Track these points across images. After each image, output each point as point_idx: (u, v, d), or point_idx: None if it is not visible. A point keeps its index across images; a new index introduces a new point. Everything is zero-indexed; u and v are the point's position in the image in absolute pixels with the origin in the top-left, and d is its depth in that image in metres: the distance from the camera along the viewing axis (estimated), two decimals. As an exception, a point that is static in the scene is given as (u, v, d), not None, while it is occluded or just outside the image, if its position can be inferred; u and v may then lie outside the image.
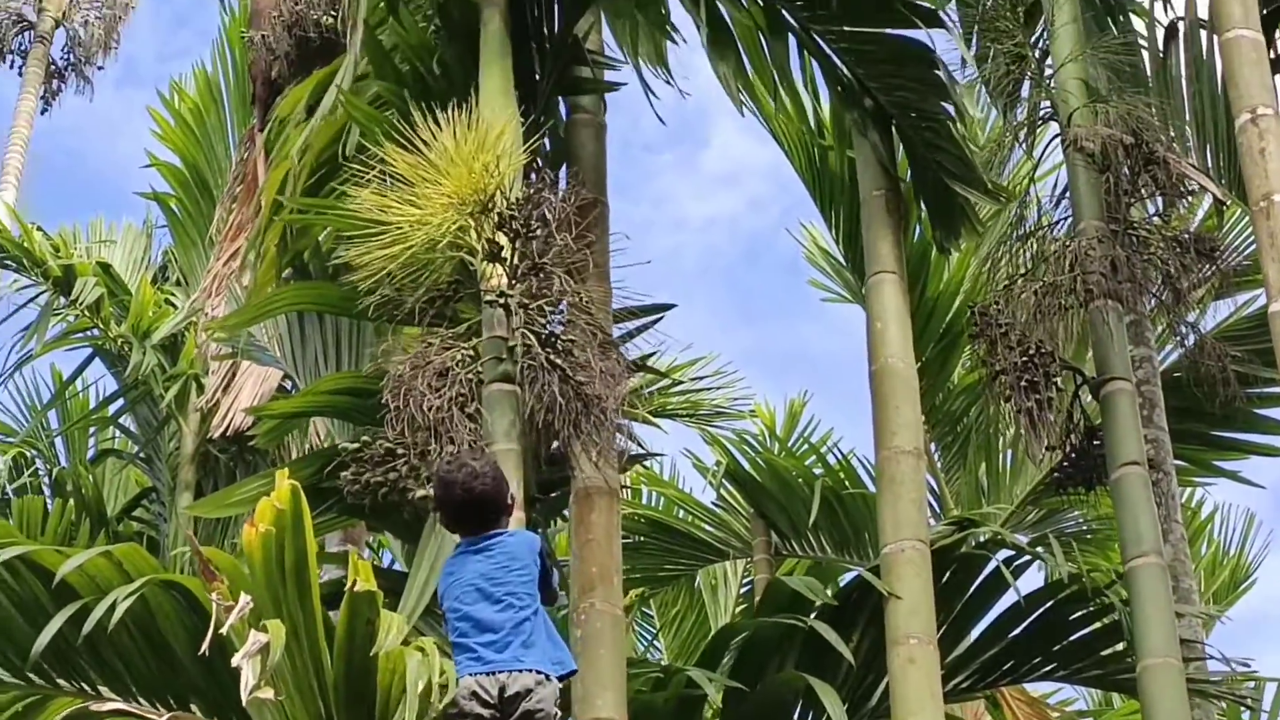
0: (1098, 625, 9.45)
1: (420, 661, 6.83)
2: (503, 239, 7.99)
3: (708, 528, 14.42)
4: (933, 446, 14.11)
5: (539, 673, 6.59)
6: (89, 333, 15.46)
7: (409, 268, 8.05)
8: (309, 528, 6.85)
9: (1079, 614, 9.45)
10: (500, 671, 6.55)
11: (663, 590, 15.87)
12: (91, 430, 16.97)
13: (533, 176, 8.45)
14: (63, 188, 35.65)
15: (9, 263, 15.48)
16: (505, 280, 7.97)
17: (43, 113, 19.69)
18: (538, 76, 9.44)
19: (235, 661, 6.27)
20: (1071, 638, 9.50)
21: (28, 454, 16.94)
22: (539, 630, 6.70)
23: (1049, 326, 9.30)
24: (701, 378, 17.01)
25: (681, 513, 14.90)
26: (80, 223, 17.51)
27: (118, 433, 16.56)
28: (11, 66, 19.74)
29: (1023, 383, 9.14)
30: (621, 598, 8.53)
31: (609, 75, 9.96)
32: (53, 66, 19.98)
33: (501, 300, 7.90)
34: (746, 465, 13.56)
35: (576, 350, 7.79)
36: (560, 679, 6.70)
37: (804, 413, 15.71)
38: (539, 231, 8.02)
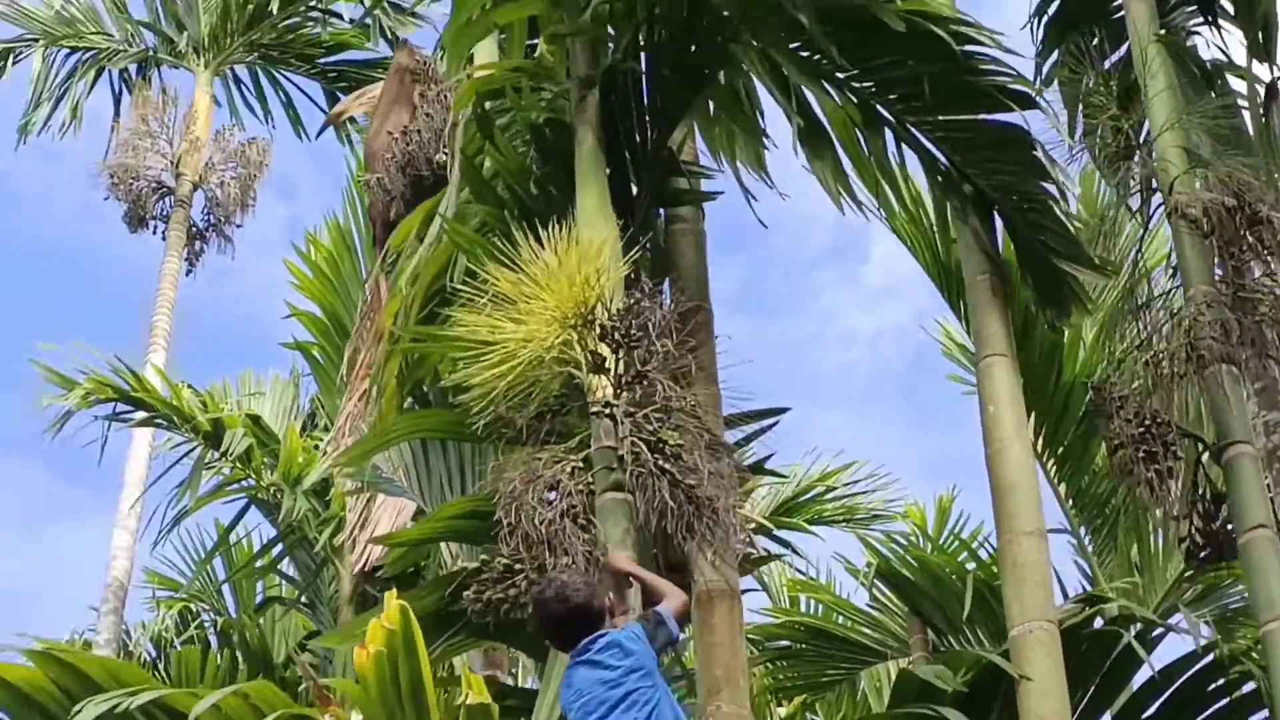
0: (1238, 694, 9.29)
1: (542, 774, 6.89)
2: (605, 350, 8.07)
3: (865, 630, 14.34)
4: (1082, 530, 14.02)
5: None
6: (243, 483, 15.77)
7: (517, 385, 8.13)
8: (422, 648, 6.94)
9: (1218, 683, 9.30)
10: None
11: (824, 695, 15.79)
12: (260, 579, 17.26)
13: (634, 288, 8.54)
14: (227, 346, 36.53)
15: (160, 421, 15.88)
16: (611, 391, 8.05)
17: (188, 274, 20.18)
18: (635, 190, 9.57)
19: (346, 780, 6.37)
20: (1212, 709, 9.34)
21: (193, 607, 17.30)
22: (662, 718, 6.71)
23: (1164, 396, 9.21)
24: (855, 482, 17.10)
25: (841, 618, 14.82)
26: (231, 378, 17.99)
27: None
28: (155, 232, 20.26)
29: (1141, 454, 9.06)
30: (748, 699, 8.51)
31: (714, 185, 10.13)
32: (194, 228, 20.47)
33: (608, 410, 7.98)
34: (898, 564, 13.51)
35: (685, 454, 7.82)
36: None
37: (954, 508, 15.65)
38: (641, 340, 8.09)
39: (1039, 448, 13.64)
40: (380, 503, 11.80)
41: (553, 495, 7.89)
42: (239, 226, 20.69)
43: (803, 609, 16.18)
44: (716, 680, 8.34)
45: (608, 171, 9.17)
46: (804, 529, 16.55)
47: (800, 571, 16.47)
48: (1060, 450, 13.71)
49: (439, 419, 9.58)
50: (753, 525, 15.19)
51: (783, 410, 10.13)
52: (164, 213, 20.33)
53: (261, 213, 21.20)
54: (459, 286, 8.80)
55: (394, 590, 7.06)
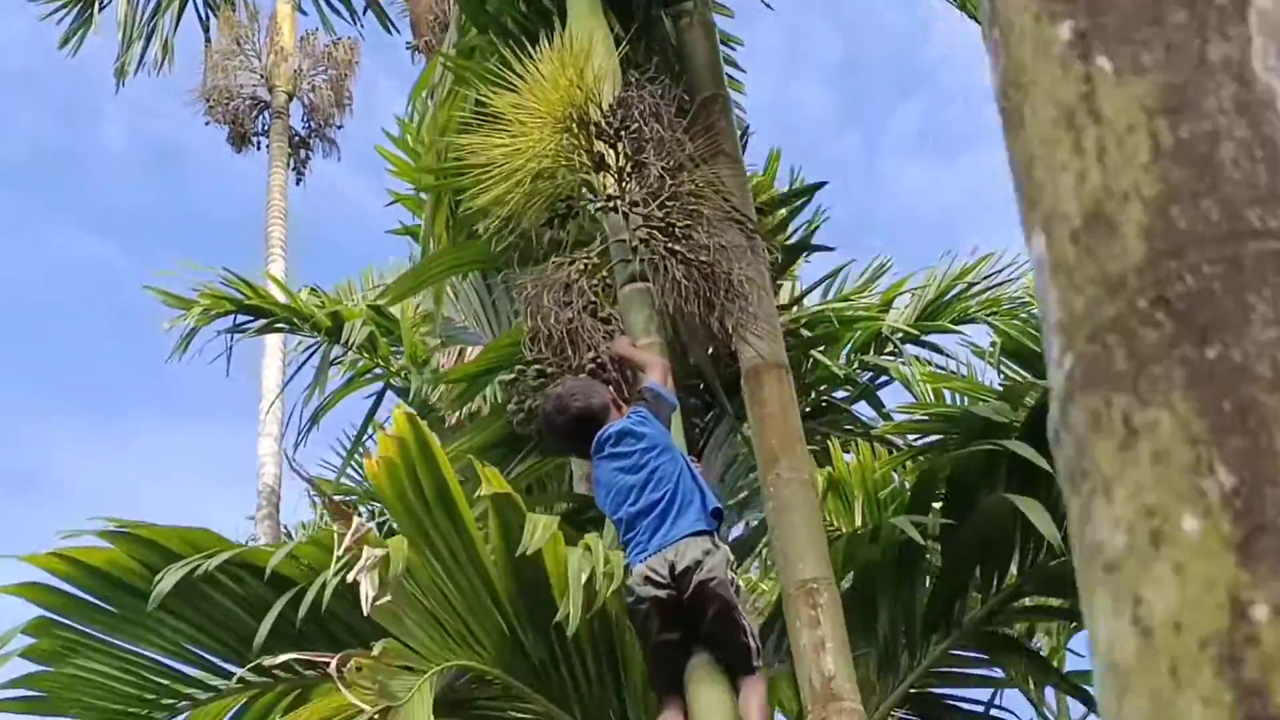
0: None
1: (582, 556, 6.95)
2: (602, 146, 8.07)
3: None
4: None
5: (703, 535, 6.68)
6: (375, 372, 15.93)
7: (530, 199, 8.17)
8: (438, 452, 6.99)
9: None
10: (666, 548, 6.66)
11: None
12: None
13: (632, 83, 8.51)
14: (349, 247, 37.24)
15: (280, 325, 16.05)
16: (615, 185, 8.06)
17: (298, 183, 20.42)
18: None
19: (351, 577, 6.48)
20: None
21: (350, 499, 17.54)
22: (687, 487, 6.79)
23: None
24: (996, 273, 16.85)
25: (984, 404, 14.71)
26: (354, 276, 18.15)
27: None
28: (258, 147, 20.53)
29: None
30: (807, 463, 8.50)
31: None
32: (296, 137, 20.69)
33: (612, 204, 8.00)
34: (1022, 339, 13.39)
35: (694, 233, 7.82)
36: (716, 519, 6.78)
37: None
38: (636, 132, 8.08)
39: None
40: (471, 354, 11.86)
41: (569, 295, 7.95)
42: (340, 128, 20.87)
43: (947, 402, 16.02)
44: (772, 449, 8.33)
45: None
46: (949, 329, 16.35)
47: (940, 368, 16.30)
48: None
49: (472, 250, 9.60)
50: (899, 334, 15.16)
51: (819, 185, 10.11)
52: (264, 127, 20.57)
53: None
54: (468, 119, 8.82)
55: (401, 404, 7.15)
